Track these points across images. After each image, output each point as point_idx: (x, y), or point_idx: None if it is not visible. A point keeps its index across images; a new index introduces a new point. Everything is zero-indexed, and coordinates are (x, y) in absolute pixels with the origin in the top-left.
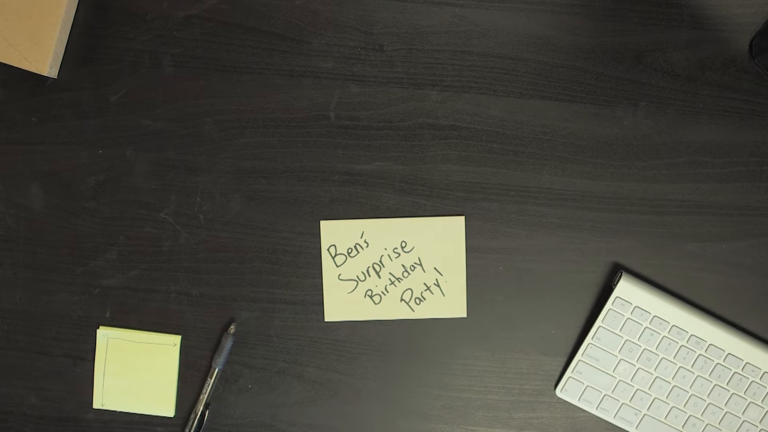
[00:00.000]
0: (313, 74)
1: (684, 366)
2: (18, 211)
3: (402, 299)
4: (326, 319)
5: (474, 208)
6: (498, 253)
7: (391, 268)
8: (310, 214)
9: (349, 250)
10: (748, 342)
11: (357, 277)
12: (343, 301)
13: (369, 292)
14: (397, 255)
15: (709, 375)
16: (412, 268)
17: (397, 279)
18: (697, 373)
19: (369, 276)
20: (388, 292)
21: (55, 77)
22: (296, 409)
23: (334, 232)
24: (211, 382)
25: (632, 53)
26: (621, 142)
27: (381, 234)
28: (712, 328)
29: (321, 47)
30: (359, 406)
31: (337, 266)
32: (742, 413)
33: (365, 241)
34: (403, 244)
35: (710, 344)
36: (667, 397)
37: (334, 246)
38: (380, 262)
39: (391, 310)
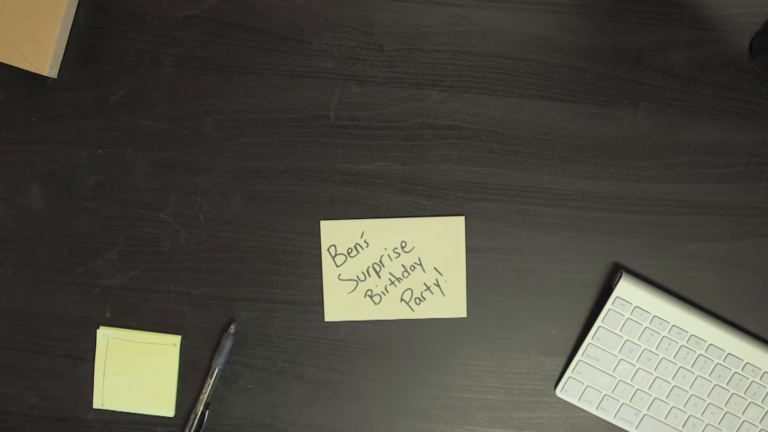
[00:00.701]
0: (313, 74)
1: (684, 366)
2: (18, 211)
3: (402, 299)
4: (326, 319)
5: (474, 208)
6: (498, 253)
7: (391, 268)
8: (310, 214)
9: (349, 250)
10: (748, 342)
11: (357, 277)
12: (343, 301)
13: (369, 292)
14: (397, 255)
15: (709, 375)
16: (412, 268)
17: (397, 279)
18: (697, 373)
19: (369, 276)
20: (388, 292)
21: (55, 77)
22: (296, 409)
23: (334, 232)
24: (211, 382)
25: (632, 53)
26: (621, 142)
27: (381, 234)
28: (712, 328)
29: (321, 47)
30: (359, 406)
31: (337, 266)
32: (742, 413)
33: (365, 241)
34: (403, 244)
35: (710, 344)
36: (667, 397)
37: (334, 246)
38: (380, 262)
39: (391, 310)
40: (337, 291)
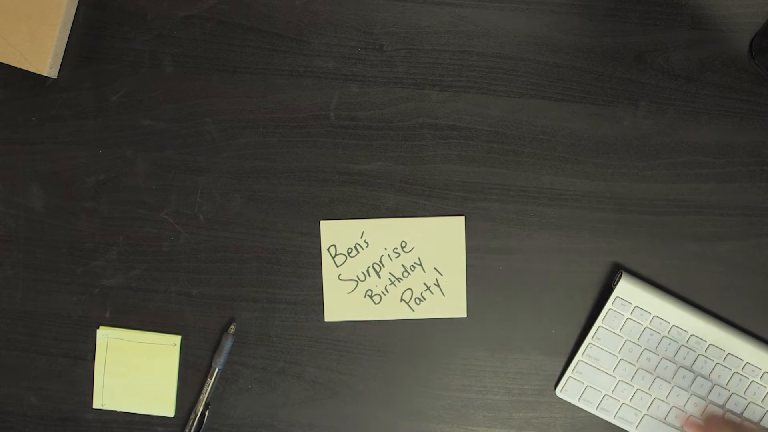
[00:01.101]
0: (313, 74)
1: (684, 366)
2: (18, 211)
3: (402, 299)
4: (326, 319)
5: (474, 208)
6: (498, 253)
7: (391, 268)
8: (310, 214)
9: (349, 250)
10: (748, 342)
11: (357, 277)
12: (343, 301)
13: (369, 292)
14: (397, 255)
15: (709, 375)
16: (412, 268)
17: (397, 279)
18: (697, 373)
19: (369, 276)
20: (388, 292)
21: (55, 77)
22: (296, 409)
23: (334, 232)
24: (211, 382)
25: (632, 53)
26: (621, 142)
27: (381, 234)
28: (712, 328)
29: (321, 47)
30: (359, 406)
31: (337, 266)
32: (742, 413)
33: (365, 241)
34: (403, 244)
35: (710, 344)
36: (667, 397)
37: (334, 246)
38: (380, 262)
39: (391, 310)
40: (337, 291)
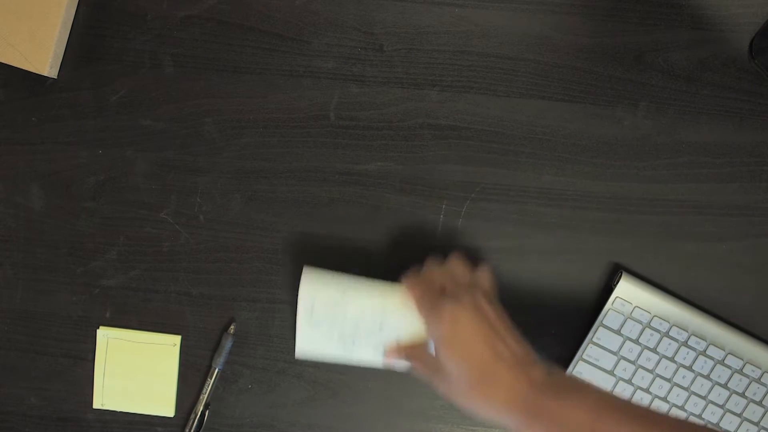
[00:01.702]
0: (313, 74)
1: (684, 365)
2: (18, 211)
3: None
4: (296, 357)
5: (474, 208)
6: (498, 253)
7: (367, 332)
8: (310, 215)
9: (327, 308)
10: (748, 342)
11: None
12: (316, 338)
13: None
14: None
15: (709, 375)
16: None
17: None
18: (696, 373)
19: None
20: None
21: (55, 77)
22: (296, 409)
23: (314, 287)
24: (211, 382)
25: (632, 53)
26: (621, 142)
27: (361, 304)
28: (712, 327)
29: (321, 47)
30: (359, 406)
31: (312, 316)
32: (742, 413)
33: (345, 302)
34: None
35: (710, 344)
36: (666, 397)
37: (313, 305)
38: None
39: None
40: (310, 329)
